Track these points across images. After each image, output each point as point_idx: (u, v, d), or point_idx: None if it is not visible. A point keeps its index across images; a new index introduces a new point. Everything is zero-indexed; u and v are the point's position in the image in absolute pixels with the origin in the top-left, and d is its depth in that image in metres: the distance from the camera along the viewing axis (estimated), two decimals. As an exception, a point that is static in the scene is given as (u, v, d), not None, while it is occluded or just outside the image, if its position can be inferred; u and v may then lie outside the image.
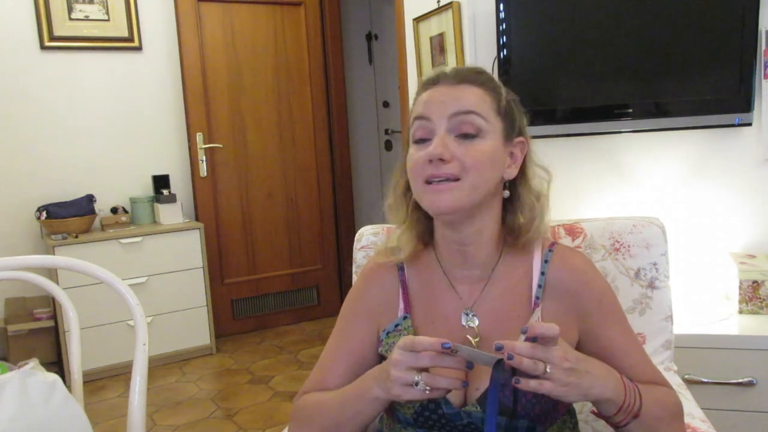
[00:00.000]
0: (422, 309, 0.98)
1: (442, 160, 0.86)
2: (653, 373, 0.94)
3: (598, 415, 0.87)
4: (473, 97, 0.90)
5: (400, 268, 1.02)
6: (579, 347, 0.94)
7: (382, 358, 0.98)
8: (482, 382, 0.88)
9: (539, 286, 0.95)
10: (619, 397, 0.82)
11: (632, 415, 0.84)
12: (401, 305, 0.99)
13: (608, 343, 0.93)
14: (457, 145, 0.88)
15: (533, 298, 0.95)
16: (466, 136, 0.88)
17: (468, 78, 0.92)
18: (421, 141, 0.91)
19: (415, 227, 0.99)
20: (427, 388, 0.78)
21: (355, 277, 1.25)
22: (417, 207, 0.96)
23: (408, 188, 0.97)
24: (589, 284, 0.96)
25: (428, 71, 2.51)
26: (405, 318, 0.97)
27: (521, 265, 0.97)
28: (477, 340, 0.93)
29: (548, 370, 0.76)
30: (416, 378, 0.78)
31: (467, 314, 0.95)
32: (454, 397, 0.89)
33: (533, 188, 0.96)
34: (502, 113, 0.92)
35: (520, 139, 0.95)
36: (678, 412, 0.92)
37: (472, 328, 0.94)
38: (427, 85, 0.94)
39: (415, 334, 0.94)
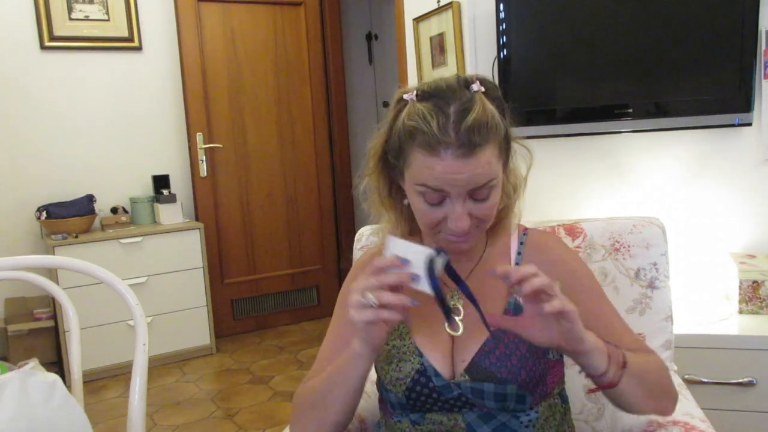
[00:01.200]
0: (409, 292, 1.00)
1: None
2: (634, 340, 0.97)
3: (594, 384, 0.88)
4: (488, 166, 0.86)
5: None
6: None
7: None
8: (467, 353, 0.93)
9: (516, 264, 1.00)
10: (601, 344, 0.85)
11: (621, 366, 0.85)
12: None
13: (586, 315, 0.94)
14: (472, 205, 0.88)
15: None
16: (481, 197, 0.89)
17: (479, 140, 0.84)
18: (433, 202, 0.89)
19: (404, 223, 1.01)
20: (375, 301, 0.79)
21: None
22: (403, 205, 0.99)
23: (390, 191, 0.99)
24: (562, 259, 1.01)
25: (428, 72, 2.51)
26: None
27: (501, 249, 1.03)
28: (461, 318, 0.97)
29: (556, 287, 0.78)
30: (368, 295, 0.80)
31: (452, 296, 0.99)
32: (443, 370, 0.93)
33: (513, 176, 0.98)
34: (504, 149, 0.91)
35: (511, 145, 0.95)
36: (663, 367, 0.95)
37: (458, 307, 0.98)
38: (431, 147, 0.85)
39: (405, 316, 0.96)
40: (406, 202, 0.97)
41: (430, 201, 0.88)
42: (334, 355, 1.01)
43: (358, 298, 0.80)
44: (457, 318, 0.97)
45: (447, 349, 0.95)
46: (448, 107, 0.85)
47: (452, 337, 0.96)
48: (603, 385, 0.87)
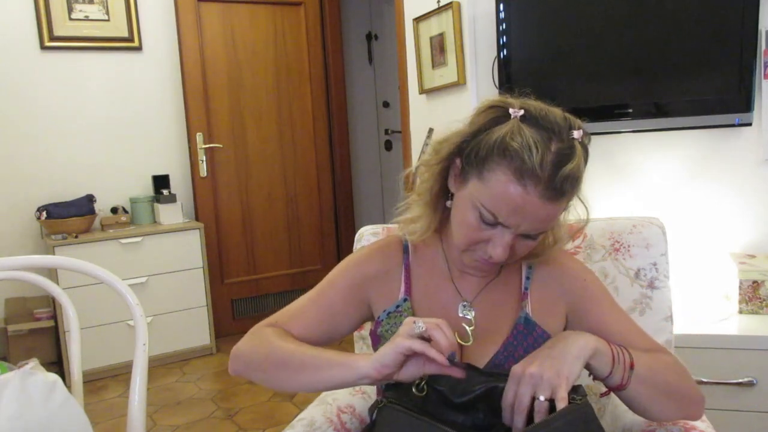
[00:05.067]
0: (421, 294, 1.01)
1: None
2: (648, 341, 0.97)
3: (606, 391, 0.89)
4: (555, 216, 0.85)
5: (405, 251, 1.03)
6: (570, 328, 0.98)
7: (377, 338, 1.00)
8: (477, 362, 0.93)
9: (527, 278, 1.00)
10: (605, 345, 0.86)
11: (628, 366, 0.86)
12: (402, 287, 1.01)
13: (597, 319, 0.97)
14: (518, 239, 0.87)
15: (522, 289, 1.00)
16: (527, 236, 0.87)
17: (567, 191, 0.83)
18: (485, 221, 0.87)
19: (436, 223, 0.98)
20: (423, 327, 0.79)
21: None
22: (444, 206, 0.96)
23: (439, 190, 0.94)
24: (571, 270, 1.02)
25: (428, 72, 2.51)
26: (405, 300, 1.00)
27: (513, 263, 1.02)
28: (472, 328, 0.97)
29: (540, 397, 0.80)
30: (419, 323, 0.80)
31: (465, 306, 0.99)
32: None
33: (559, 231, 0.97)
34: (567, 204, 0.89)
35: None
36: (677, 367, 0.92)
37: (469, 318, 0.98)
38: (521, 176, 0.80)
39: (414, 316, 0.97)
40: (449, 204, 0.94)
41: (485, 220, 0.85)
42: (315, 317, 0.99)
43: (412, 327, 0.79)
44: (468, 328, 0.97)
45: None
46: (552, 144, 0.82)
47: (460, 345, 0.96)
48: (612, 387, 0.87)
